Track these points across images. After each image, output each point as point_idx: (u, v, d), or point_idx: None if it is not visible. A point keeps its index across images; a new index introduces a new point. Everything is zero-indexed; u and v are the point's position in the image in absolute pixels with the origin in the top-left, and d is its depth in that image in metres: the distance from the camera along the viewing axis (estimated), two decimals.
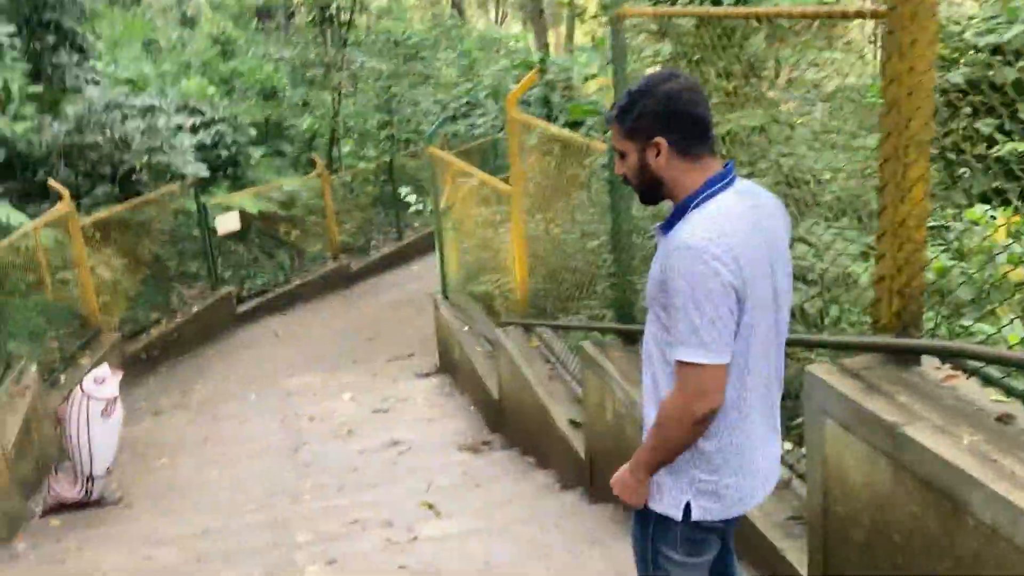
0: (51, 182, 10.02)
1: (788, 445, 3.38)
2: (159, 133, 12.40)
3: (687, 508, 2.05)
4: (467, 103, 19.53)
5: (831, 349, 3.00)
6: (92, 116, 11.32)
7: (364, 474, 6.69)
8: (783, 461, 3.13)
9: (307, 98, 19.45)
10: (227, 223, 13.24)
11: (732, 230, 1.86)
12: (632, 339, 4.54)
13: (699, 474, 2.04)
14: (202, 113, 14.99)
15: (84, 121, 11.26)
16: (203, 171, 12.90)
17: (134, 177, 12.18)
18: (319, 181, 15.43)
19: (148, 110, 12.28)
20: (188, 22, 22.68)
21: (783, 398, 2.23)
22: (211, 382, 10.82)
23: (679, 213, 1.96)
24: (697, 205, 1.93)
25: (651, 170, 1.98)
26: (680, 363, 1.91)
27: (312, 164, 16.35)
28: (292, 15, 22.70)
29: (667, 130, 1.94)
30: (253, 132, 15.82)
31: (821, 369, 2.53)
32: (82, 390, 6.46)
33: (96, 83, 12.55)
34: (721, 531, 2.16)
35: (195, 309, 12.35)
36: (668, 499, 2.08)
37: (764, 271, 1.92)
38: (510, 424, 6.80)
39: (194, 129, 14.49)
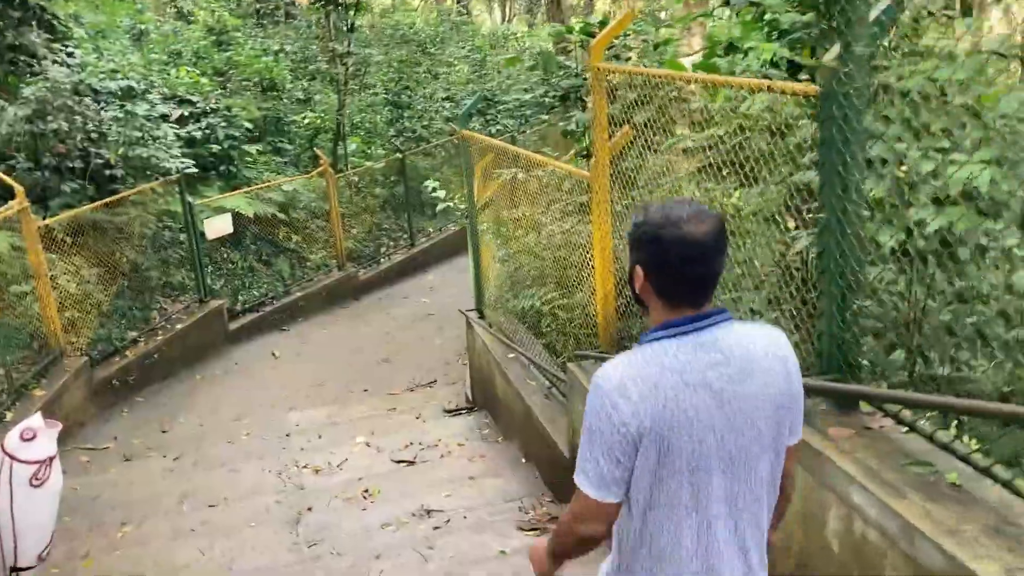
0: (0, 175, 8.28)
1: None
2: (139, 122, 10.66)
3: None
4: (485, 99, 17.85)
5: None
6: (57, 99, 9.56)
7: (389, 565, 4.93)
8: None
9: (309, 92, 17.76)
10: (218, 226, 11.51)
11: (645, 377, 1.80)
12: (851, 403, 2.82)
13: None
14: (192, 104, 13.29)
15: (48, 105, 9.51)
16: (190, 167, 11.15)
17: (109, 172, 10.44)
18: (323, 181, 13.73)
19: (126, 94, 10.53)
20: (183, 17, 21.00)
21: None
22: (196, 415, 9.06)
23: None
24: (643, 343, 1.88)
25: (635, 288, 1.94)
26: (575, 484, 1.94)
27: (315, 162, 14.64)
28: (292, 2, 20.98)
29: (649, 268, 1.87)
30: (249, 127, 14.10)
31: None
32: (3, 450, 4.70)
33: (67, 66, 10.81)
34: None
35: (180, 326, 10.59)
36: None
37: (701, 424, 1.80)
38: None
39: (182, 121, 12.78)
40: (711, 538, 1.89)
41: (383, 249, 15.01)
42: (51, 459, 4.85)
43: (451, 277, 14.21)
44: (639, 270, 1.88)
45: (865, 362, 2.81)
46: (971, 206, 3.65)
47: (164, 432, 8.60)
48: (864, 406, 2.82)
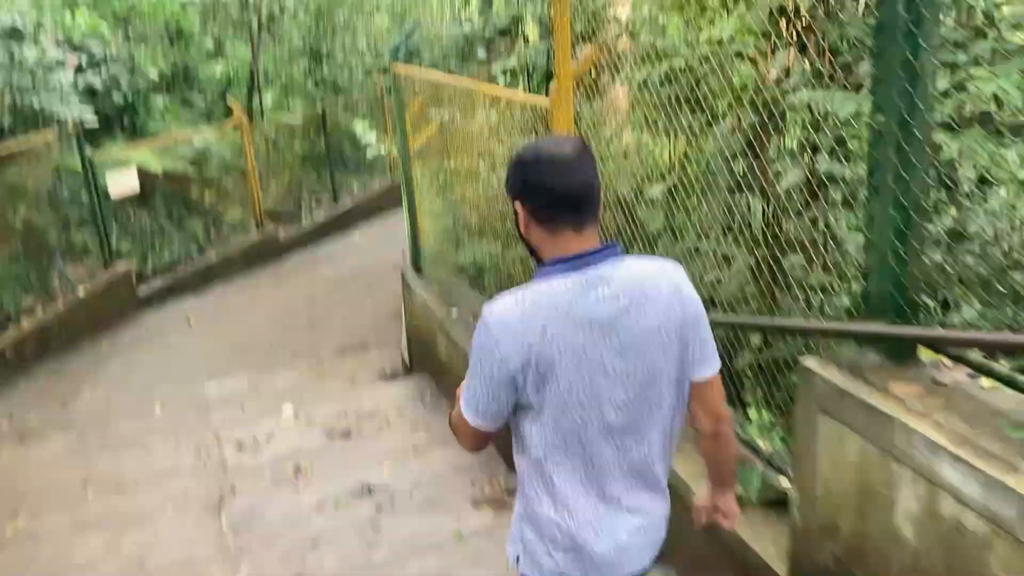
0: None
1: None
2: (27, 68, 9.59)
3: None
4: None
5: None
6: None
7: (330, 554, 4.30)
8: None
9: (221, 42, 16.58)
10: (122, 183, 10.53)
11: (530, 312, 1.80)
12: (909, 352, 2.29)
13: (526, 531, 2.03)
14: (91, 53, 12.12)
15: None
16: (90, 117, 10.11)
17: None
18: (237, 135, 12.79)
19: (10, 36, 9.43)
20: None
21: None
22: (103, 389, 8.20)
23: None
24: (533, 281, 1.88)
25: (521, 232, 1.95)
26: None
27: (229, 115, 13.64)
28: None
29: (520, 195, 1.90)
30: (155, 78, 13.01)
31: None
32: None
33: None
34: None
35: (82, 292, 9.65)
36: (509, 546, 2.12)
37: (579, 361, 1.81)
38: None
39: (80, 70, 11.64)
40: (607, 472, 1.91)
41: (305, 208, 14.15)
42: None
43: (378, 236, 13.47)
44: (518, 205, 1.90)
45: (932, 302, 2.29)
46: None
47: (66, 408, 7.75)
48: (926, 355, 2.30)
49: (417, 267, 7.33)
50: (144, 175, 11.08)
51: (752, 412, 3.13)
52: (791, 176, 3.42)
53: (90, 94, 11.33)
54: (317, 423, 6.31)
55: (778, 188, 3.62)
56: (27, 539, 4.93)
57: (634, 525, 1.96)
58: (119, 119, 12.16)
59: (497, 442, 5.12)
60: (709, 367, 1.94)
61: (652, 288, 1.85)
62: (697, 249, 4.24)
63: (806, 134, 3.48)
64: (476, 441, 1.98)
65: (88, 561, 4.59)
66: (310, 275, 11.80)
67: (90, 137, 10.42)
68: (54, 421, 7.29)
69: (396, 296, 9.11)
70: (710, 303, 4.01)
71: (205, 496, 5.23)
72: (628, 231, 4.41)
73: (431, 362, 6.77)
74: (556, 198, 1.83)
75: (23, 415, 7.48)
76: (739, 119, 3.70)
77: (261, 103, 15.21)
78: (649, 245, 4.29)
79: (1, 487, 5.73)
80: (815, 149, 3.41)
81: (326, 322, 9.69)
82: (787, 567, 2.55)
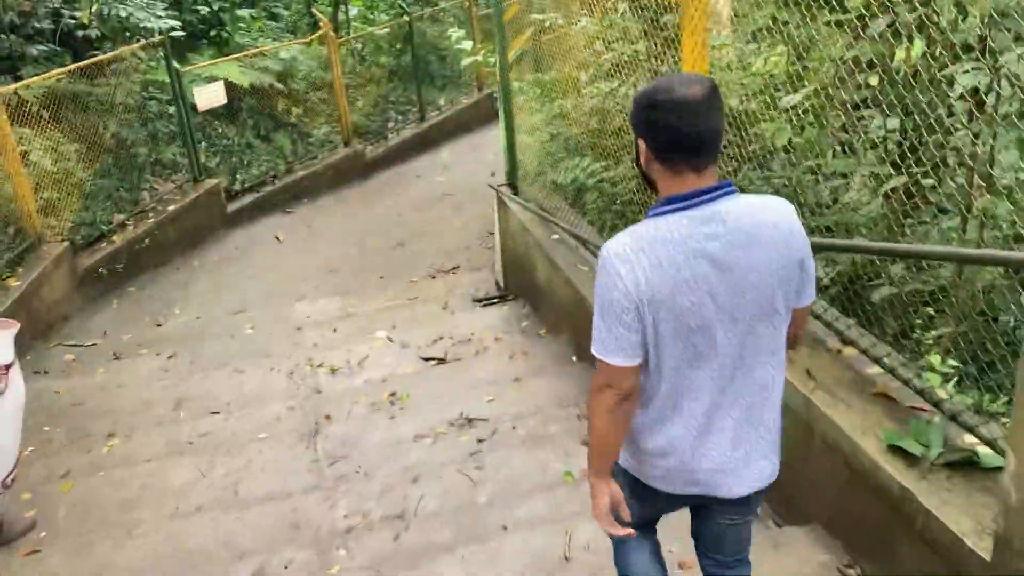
0: None
1: None
2: None
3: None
4: None
5: None
6: None
7: (432, 491, 4.05)
8: None
9: None
10: (210, 96, 10.31)
11: (648, 248, 1.90)
12: None
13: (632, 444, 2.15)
14: None
15: None
16: (175, 27, 9.87)
17: (83, 34, 9.21)
18: (324, 47, 12.42)
19: None
20: None
21: None
22: (194, 307, 8.12)
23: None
24: (649, 217, 1.97)
25: (641, 165, 2.03)
26: (594, 356, 2.03)
27: (314, 28, 13.28)
28: None
29: (645, 133, 1.95)
30: None
31: None
32: None
33: None
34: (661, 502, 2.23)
35: (172, 208, 9.55)
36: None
37: (694, 295, 1.90)
38: None
39: None
40: (715, 400, 2.01)
41: (391, 124, 13.78)
42: (9, 366, 3.92)
43: (466, 154, 13.08)
44: (641, 143, 1.97)
45: None
46: None
47: (158, 326, 7.69)
48: None
49: (513, 185, 6.93)
50: (231, 89, 10.86)
51: (932, 357, 2.68)
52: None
53: (175, 5, 11.10)
54: (411, 348, 6.06)
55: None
56: (122, 461, 4.82)
57: (741, 452, 2.07)
58: (205, 32, 11.92)
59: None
60: (808, 297, 2.05)
61: (764, 225, 1.92)
62: (819, 168, 3.77)
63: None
64: (632, 378, 1.99)
65: (181, 486, 4.44)
66: (398, 194, 11.51)
67: (177, 50, 10.21)
68: (146, 340, 7.22)
69: (486, 216, 8.77)
70: (849, 228, 3.54)
71: (300, 422, 5.04)
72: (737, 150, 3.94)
73: (528, 286, 6.42)
74: (681, 142, 1.88)
75: (116, 334, 7.44)
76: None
77: (347, 14, 14.79)
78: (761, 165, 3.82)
79: (96, 405, 5.64)
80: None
81: (416, 243, 9.41)
82: (991, 546, 2.14)
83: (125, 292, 8.51)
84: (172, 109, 10.17)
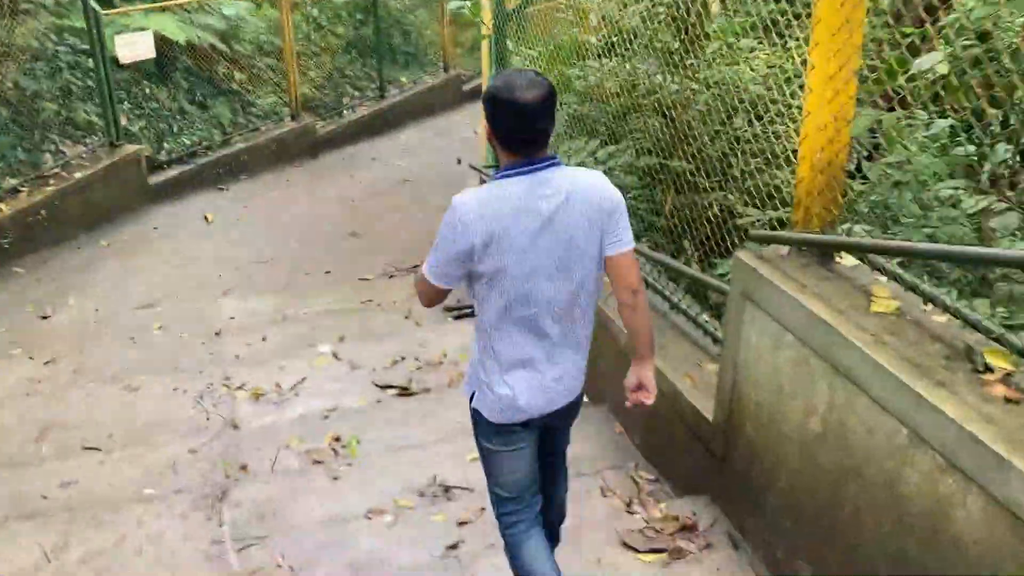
0: None
1: None
2: None
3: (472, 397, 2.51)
4: None
5: None
6: None
7: None
8: None
9: None
10: (135, 47, 8.74)
11: (489, 203, 2.22)
12: None
13: (479, 374, 2.47)
14: None
15: None
16: None
17: None
18: (275, 9, 10.92)
19: None
20: None
21: None
22: (93, 297, 6.56)
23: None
24: (492, 180, 2.29)
25: (488, 137, 2.33)
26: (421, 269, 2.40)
27: None
28: None
29: (488, 119, 2.26)
30: None
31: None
32: None
33: None
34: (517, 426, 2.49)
35: (80, 175, 7.95)
36: (465, 386, 2.56)
37: (523, 242, 2.24)
38: (776, 495, 2.76)
39: None
40: (539, 326, 2.35)
41: (347, 100, 12.29)
42: None
43: (430, 138, 11.69)
44: (487, 125, 2.28)
45: None
46: None
47: (43, 319, 6.14)
48: None
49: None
50: (166, 46, 9.31)
51: None
52: None
53: None
54: (363, 369, 4.64)
55: None
56: None
57: (556, 374, 2.42)
58: None
59: (630, 426, 3.56)
60: (624, 244, 2.35)
61: (580, 188, 2.28)
62: None
63: None
64: (434, 297, 2.41)
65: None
66: (351, 176, 10.04)
67: None
68: (25, 336, 5.70)
69: None
70: None
71: (203, 475, 3.60)
72: None
73: None
74: (516, 138, 2.22)
75: None
76: None
77: None
78: None
79: None
80: None
81: (371, 235, 7.96)
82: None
83: (10, 273, 6.93)
84: (90, 61, 8.58)
